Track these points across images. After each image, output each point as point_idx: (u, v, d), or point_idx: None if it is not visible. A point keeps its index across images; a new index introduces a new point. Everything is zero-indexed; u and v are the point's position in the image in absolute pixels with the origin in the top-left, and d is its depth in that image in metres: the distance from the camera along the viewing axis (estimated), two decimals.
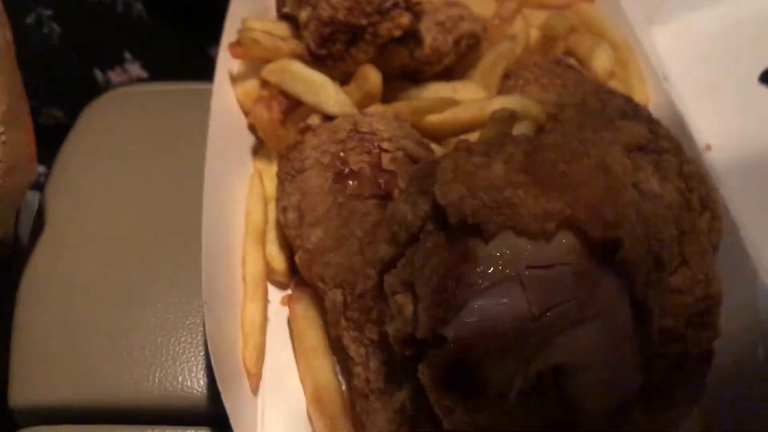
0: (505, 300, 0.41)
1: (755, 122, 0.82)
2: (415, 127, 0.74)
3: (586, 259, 0.43)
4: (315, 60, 0.78)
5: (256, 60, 0.81)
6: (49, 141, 0.84)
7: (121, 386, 0.68)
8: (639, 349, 0.45)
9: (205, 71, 0.80)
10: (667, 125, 0.73)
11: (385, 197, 0.69)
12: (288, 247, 0.72)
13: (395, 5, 0.75)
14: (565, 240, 0.43)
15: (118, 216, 0.78)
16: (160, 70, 0.97)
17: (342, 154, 0.70)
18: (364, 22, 0.75)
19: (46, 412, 0.68)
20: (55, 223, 0.78)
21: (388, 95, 0.79)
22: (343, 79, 0.79)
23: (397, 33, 0.76)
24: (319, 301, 0.69)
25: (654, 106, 0.82)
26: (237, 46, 0.79)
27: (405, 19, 0.76)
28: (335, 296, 0.65)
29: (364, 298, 0.66)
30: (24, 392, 0.69)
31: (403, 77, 0.84)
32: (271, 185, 0.75)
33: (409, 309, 0.47)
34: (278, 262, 0.72)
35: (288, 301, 0.70)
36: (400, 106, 0.76)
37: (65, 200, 0.81)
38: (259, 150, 0.81)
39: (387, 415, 0.59)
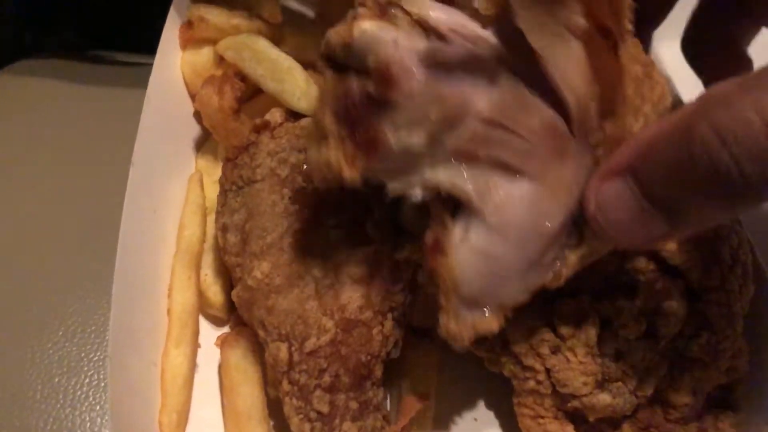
0: None
1: None
2: None
3: None
4: None
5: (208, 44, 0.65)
6: None
7: None
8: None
9: (150, 45, 0.63)
10: None
11: (356, 227, 0.54)
12: (229, 274, 0.58)
13: None
14: None
15: (16, 216, 0.63)
16: (99, 38, 0.81)
17: (305, 166, 0.55)
18: None
19: None
20: None
21: None
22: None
23: None
24: (261, 346, 0.55)
25: None
26: (186, 28, 0.63)
27: None
28: (278, 351, 0.51)
29: (315, 356, 0.52)
30: None
31: None
32: (214, 191, 0.60)
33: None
34: (214, 292, 0.58)
35: (221, 345, 0.55)
36: None
37: None
38: (203, 144, 0.65)
39: None
